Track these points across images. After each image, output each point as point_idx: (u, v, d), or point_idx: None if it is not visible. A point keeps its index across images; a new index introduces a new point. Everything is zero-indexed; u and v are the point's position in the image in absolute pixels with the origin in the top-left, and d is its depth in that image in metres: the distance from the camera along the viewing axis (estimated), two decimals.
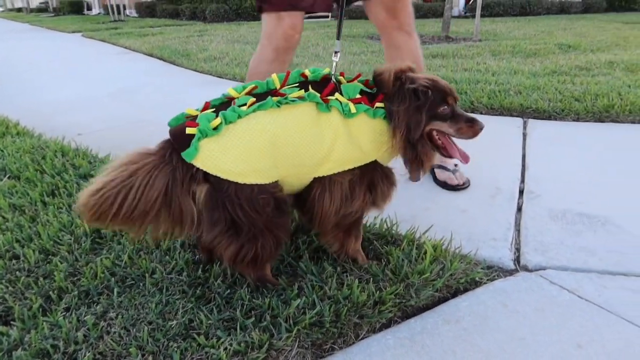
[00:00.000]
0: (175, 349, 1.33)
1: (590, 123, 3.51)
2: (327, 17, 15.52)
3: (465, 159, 1.58)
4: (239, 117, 1.41)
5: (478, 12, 8.82)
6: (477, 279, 1.69)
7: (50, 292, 1.57)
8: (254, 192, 1.41)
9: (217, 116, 1.41)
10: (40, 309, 1.50)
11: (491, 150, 2.93)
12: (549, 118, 3.61)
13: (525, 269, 1.78)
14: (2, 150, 2.89)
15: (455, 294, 1.63)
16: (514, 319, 1.50)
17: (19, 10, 35.90)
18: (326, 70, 1.58)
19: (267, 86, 1.52)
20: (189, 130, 1.38)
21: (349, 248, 1.70)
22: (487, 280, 1.70)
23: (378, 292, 1.54)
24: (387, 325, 1.49)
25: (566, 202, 2.27)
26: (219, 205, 1.40)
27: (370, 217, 1.98)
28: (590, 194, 2.36)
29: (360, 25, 11.98)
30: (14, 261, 1.76)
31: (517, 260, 1.84)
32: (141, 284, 1.61)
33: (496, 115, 3.73)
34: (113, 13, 17.41)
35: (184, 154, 1.37)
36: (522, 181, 2.53)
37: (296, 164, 1.48)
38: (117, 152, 2.39)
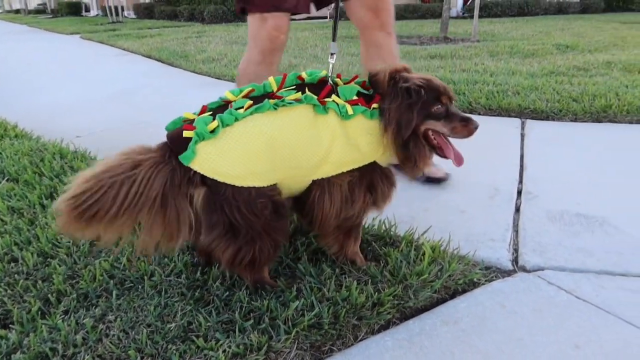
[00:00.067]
0: (174, 352, 1.33)
1: (588, 123, 3.52)
2: (326, 18, 15.52)
3: (459, 160, 1.57)
4: (236, 120, 1.41)
5: (476, 12, 8.83)
6: (475, 280, 1.69)
7: (49, 295, 1.57)
8: (251, 195, 1.41)
9: (214, 119, 1.41)
10: (39, 312, 1.50)
11: (489, 150, 2.94)
12: (546, 118, 3.62)
13: (524, 269, 1.79)
14: (0, 153, 2.89)
15: (453, 295, 1.64)
16: (512, 320, 1.50)
17: (17, 11, 35.86)
18: (323, 73, 1.58)
19: (264, 89, 1.52)
20: (186, 134, 1.38)
21: (348, 250, 1.71)
22: (485, 281, 1.70)
23: (376, 293, 1.55)
24: (385, 326, 1.49)
25: (564, 202, 2.27)
26: (216, 209, 1.41)
27: (369, 219, 1.99)
28: (588, 194, 2.37)
29: None
30: (12, 264, 1.76)
31: (515, 261, 1.85)
32: (140, 287, 1.61)
33: (494, 115, 3.74)
34: (111, 14, 17.41)
35: (181, 157, 1.37)
36: (520, 182, 2.53)
37: (294, 166, 1.48)
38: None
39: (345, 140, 1.52)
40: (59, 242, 1.88)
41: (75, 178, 1.34)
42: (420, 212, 2.20)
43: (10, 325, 1.46)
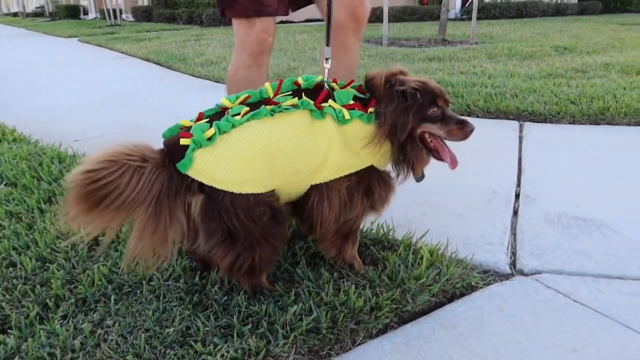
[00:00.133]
0: (172, 357, 1.33)
1: (585, 126, 3.53)
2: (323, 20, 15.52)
3: (454, 163, 1.58)
4: (233, 126, 1.41)
5: (474, 14, 8.85)
6: (473, 283, 1.69)
7: (47, 300, 1.57)
8: (250, 202, 1.41)
9: (211, 126, 1.41)
10: (38, 317, 1.51)
11: (487, 153, 2.94)
12: (544, 121, 3.63)
13: (521, 273, 1.79)
14: None
15: (451, 298, 1.64)
16: (510, 323, 1.51)
17: (15, 14, 35.85)
18: (319, 78, 1.59)
19: (260, 95, 1.52)
20: (183, 141, 1.38)
21: (346, 254, 1.71)
22: (483, 284, 1.70)
23: (374, 297, 1.55)
24: (383, 330, 1.49)
25: (562, 205, 2.28)
26: (215, 216, 1.40)
27: (367, 222, 1.99)
28: (586, 197, 2.38)
29: None
30: (10, 269, 1.76)
31: (513, 264, 1.85)
32: (138, 291, 1.61)
33: (492, 118, 3.75)
34: (109, 17, 17.41)
35: (179, 165, 1.37)
36: (518, 185, 2.54)
37: (292, 172, 1.48)
38: None
39: (343, 145, 1.52)
40: (57, 247, 1.88)
41: (88, 157, 1.32)
42: (418, 215, 2.20)
43: (9, 330, 1.46)
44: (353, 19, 2.23)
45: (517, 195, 2.41)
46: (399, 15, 15.58)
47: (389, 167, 1.64)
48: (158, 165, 1.37)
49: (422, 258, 1.74)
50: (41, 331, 1.42)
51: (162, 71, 6.66)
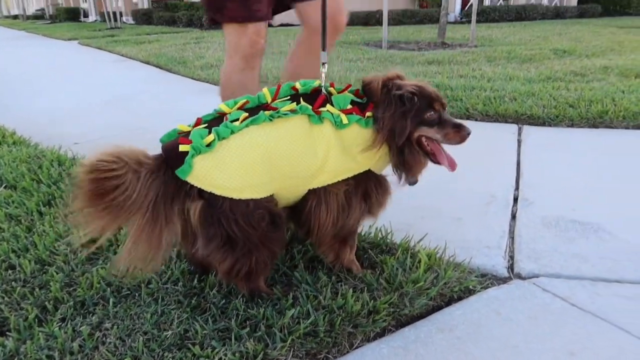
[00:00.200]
0: (171, 359, 1.34)
1: (584, 129, 3.54)
2: None
3: (452, 166, 1.59)
4: (232, 132, 1.42)
5: (474, 17, 8.87)
6: (471, 287, 1.70)
7: (46, 303, 1.58)
8: (249, 207, 1.42)
9: (209, 132, 1.42)
10: (36, 320, 1.51)
11: (486, 157, 2.95)
12: (543, 124, 3.64)
13: (519, 276, 1.80)
14: None
15: (449, 302, 1.64)
16: (508, 327, 1.51)
17: (15, 17, 35.92)
18: (316, 83, 1.59)
19: (258, 100, 1.53)
20: (182, 148, 1.39)
21: (344, 258, 1.71)
22: (481, 288, 1.71)
23: (372, 301, 1.55)
24: (381, 334, 1.50)
25: (560, 209, 2.28)
26: (214, 222, 1.41)
27: (366, 226, 2.00)
28: (584, 200, 2.38)
29: (356, 32, 12.04)
30: (10, 271, 1.76)
31: (510, 268, 1.85)
32: (137, 294, 1.62)
33: (491, 122, 3.76)
34: (110, 20, 17.45)
35: (178, 172, 1.37)
36: (517, 188, 2.54)
37: (291, 176, 1.49)
38: None
39: (341, 150, 1.53)
40: (56, 250, 1.88)
41: (97, 152, 1.34)
42: (417, 219, 2.20)
43: (7, 333, 1.47)
44: (332, 25, 2.27)
45: (515, 199, 2.42)
46: (399, 18, 15.61)
47: (385, 171, 1.65)
48: (153, 171, 1.37)
49: (420, 262, 1.74)
50: (40, 334, 1.43)
51: (162, 74, 6.67)
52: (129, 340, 1.41)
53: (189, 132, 1.45)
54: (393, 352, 1.41)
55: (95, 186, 1.29)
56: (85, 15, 26.36)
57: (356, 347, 1.44)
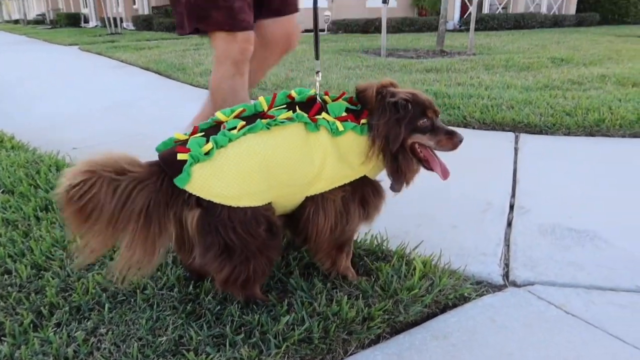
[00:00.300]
0: None
1: (581, 137, 3.56)
2: (323, 30, 15.65)
3: (445, 174, 1.60)
4: (230, 141, 1.43)
5: (472, 25, 8.92)
6: (466, 294, 1.70)
7: (42, 308, 1.58)
8: (247, 215, 1.42)
9: (207, 140, 1.42)
10: (31, 325, 1.51)
11: (483, 164, 2.96)
12: (540, 132, 3.65)
13: (514, 284, 1.80)
14: None
15: (444, 309, 1.65)
16: (502, 335, 1.51)
17: (16, 21, 36.03)
18: (312, 91, 1.61)
19: (254, 108, 1.54)
20: (180, 156, 1.39)
21: (341, 265, 1.72)
22: (476, 295, 1.71)
23: (367, 308, 1.56)
24: (375, 341, 1.50)
25: (556, 216, 2.29)
26: (211, 230, 1.41)
27: (362, 234, 2.00)
28: (580, 208, 2.39)
29: (355, 40, 12.09)
30: (6, 276, 1.76)
31: (506, 275, 1.86)
32: (132, 300, 1.62)
33: (488, 130, 3.77)
34: (110, 26, 17.52)
35: (176, 181, 1.38)
36: (513, 196, 2.55)
37: (288, 184, 1.50)
38: None
39: (337, 157, 1.54)
40: (52, 255, 1.88)
41: (71, 167, 1.33)
42: (413, 226, 2.21)
43: (2, 338, 1.47)
44: (287, 43, 2.32)
45: (512, 207, 2.43)
46: (398, 26, 15.69)
47: (378, 177, 1.66)
48: (141, 179, 1.36)
49: (415, 269, 1.75)
50: (35, 339, 1.43)
51: (161, 80, 6.69)
52: (124, 346, 1.41)
53: (186, 141, 1.45)
54: (387, 359, 1.41)
55: (74, 208, 1.30)
56: (86, 21, 26.48)
57: (351, 354, 1.44)
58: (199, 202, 1.40)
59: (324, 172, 1.53)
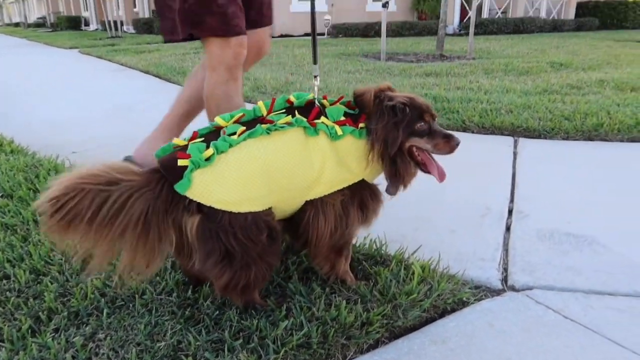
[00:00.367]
0: None
1: (579, 142, 3.57)
2: (323, 34, 15.68)
3: (441, 176, 1.61)
4: (230, 146, 1.43)
5: (472, 30, 8.94)
6: (464, 299, 1.70)
7: (40, 313, 1.58)
8: (247, 221, 1.42)
9: (207, 146, 1.43)
10: (30, 330, 1.51)
11: (482, 169, 2.97)
12: (539, 137, 3.66)
13: (513, 289, 1.80)
14: None
15: (442, 314, 1.65)
16: (501, 339, 1.52)
17: (17, 24, 36.09)
18: (310, 96, 1.61)
19: (254, 113, 1.55)
20: (181, 162, 1.39)
21: (340, 269, 1.72)
22: (475, 300, 1.71)
23: (366, 313, 1.56)
24: (374, 346, 1.50)
25: (554, 221, 2.29)
26: (212, 236, 1.41)
27: (360, 238, 2.01)
28: (579, 213, 2.39)
29: (355, 44, 12.11)
30: (4, 281, 1.76)
31: (504, 280, 1.86)
32: (131, 305, 1.62)
33: (487, 134, 3.77)
34: (110, 29, 17.55)
35: (176, 187, 1.38)
36: (512, 200, 2.55)
37: (289, 188, 1.50)
38: None
39: (336, 160, 1.55)
40: (51, 260, 1.88)
41: (55, 180, 1.33)
42: (411, 231, 2.21)
43: (1, 344, 1.46)
44: (258, 52, 2.34)
45: (510, 211, 2.43)
46: (398, 30, 15.72)
47: (376, 180, 1.67)
48: (136, 188, 1.36)
49: (413, 273, 1.75)
50: (33, 344, 1.42)
51: (161, 84, 6.70)
52: (122, 351, 1.41)
53: (185, 146, 1.45)
54: None
55: (52, 222, 1.29)
56: (87, 24, 26.53)
57: (349, 359, 1.44)
58: (200, 208, 1.40)
59: (323, 176, 1.54)
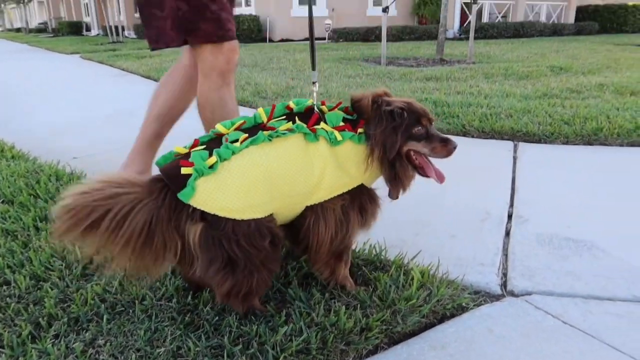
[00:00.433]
0: None
1: (579, 146, 3.57)
2: (324, 39, 15.71)
3: (440, 178, 1.62)
4: (233, 153, 1.44)
5: (472, 34, 8.96)
6: (463, 304, 1.70)
7: (40, 319, 1.58)
8: (250, 228, 1.43)
9: (210, 153, 1.43)
10: (30, 336, 1.51)
11: (482, 173, 2.97)
12: (538, 141, 3.67)
13: (512, 294, 1.80)
14: None
15: (442, 319, 1.65)
16: (500, 345, 1.52)
17: (18, 30, 36.21)
18: (309, 102, 1.62)
19: (254, 120, 1.56)
20: (184, 170, 1.39)
21: (339, 274, 1.72)
22: (474, 305, 1.71)
23: (365, 318, 1.56)
24: (373, 351, 1.50)
25: (554, 226, 2.30)
26: (215, 243, 1.41)
27: (360, 243, 2.01)
28: (579, 217, 2.40)
29: (356, 48, 12.14)
30: (4, 287, 1.77)
31: (504, 285, 1.86)
32: (131, 311, 1.62)
33: (487, 138, 3.78)
34: (112, 34, 17.60)
35: (180, 195, 1.38)
36: (511, 205, 2.56)
37: (290, 194, 1.51)
38: None
39: (336, 166, 1.56)
40: (51, 265, 1.89)
41: (71, 190, 1.35)
42: (411, 236, 2.22)
43: (1, 350, 1.47)
44: (226, 62, 2.31)
45: (510, 216, 2.43)
46: (398, 35, 15.76)
47: (374, 185, 1.68)
48: (137, 201, 1.37)
49: (413, 279, 1.75)
50: (33, 350, 1.43)
51: None
52: (122, 357, 1.42)
53: (187, 154, 1.46)
54: None
55: (77, 227, 1.33)
56: (88, 29, 26.61)
57: None
58: (203, 215, 1.40)
59: (324, 181, 1.54)
